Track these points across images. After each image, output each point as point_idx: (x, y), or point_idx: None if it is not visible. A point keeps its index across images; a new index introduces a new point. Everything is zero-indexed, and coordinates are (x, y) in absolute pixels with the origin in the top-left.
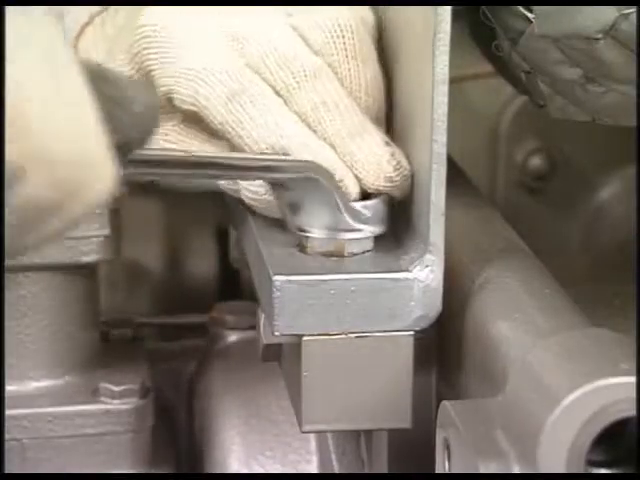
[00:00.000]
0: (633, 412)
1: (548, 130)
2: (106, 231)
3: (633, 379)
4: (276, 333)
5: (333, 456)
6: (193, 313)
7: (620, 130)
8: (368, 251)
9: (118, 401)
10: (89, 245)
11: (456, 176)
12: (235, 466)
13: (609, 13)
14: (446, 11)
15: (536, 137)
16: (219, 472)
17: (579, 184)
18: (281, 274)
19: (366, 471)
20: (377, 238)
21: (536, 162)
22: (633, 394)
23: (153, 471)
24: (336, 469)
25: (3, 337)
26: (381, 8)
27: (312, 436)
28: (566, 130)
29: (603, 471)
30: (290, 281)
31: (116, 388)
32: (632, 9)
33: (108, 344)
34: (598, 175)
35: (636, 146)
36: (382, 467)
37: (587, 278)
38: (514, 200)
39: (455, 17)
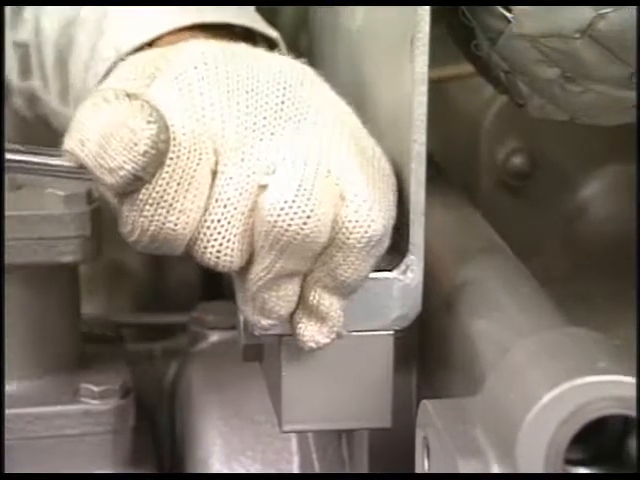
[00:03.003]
0: (611, 410)
1: (529, 130)
2: (86, 232)
3: (610, 377)
4: (256, 333)
5: (314, 456)
6: (175, 313)
7: (600, 129)
8: None
9: (98, 401)
10: (69, 246)
11: (437, 176)
12: (216, 466)
13: (586, 13)
14: (425, 11)
15: (517, 137)
16: (201, 472)
17: (560, 183)
18: None
19: (347, 471)
20: None
21: (517, 161)
22: (610, 392)
23: (134, 471)
24: (317, 469)
25: (3, 337)
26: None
27: (293, 436)
28: (547, 129)
29: (582, 470)
30: None
31: (96, 388)
32: (609, 9)
33: (89, 344)
34: (578, 174)
35: (636, 146)
36: (363, 467)
37: (568, 277)
38: (495, 199)
39: (435, 17)
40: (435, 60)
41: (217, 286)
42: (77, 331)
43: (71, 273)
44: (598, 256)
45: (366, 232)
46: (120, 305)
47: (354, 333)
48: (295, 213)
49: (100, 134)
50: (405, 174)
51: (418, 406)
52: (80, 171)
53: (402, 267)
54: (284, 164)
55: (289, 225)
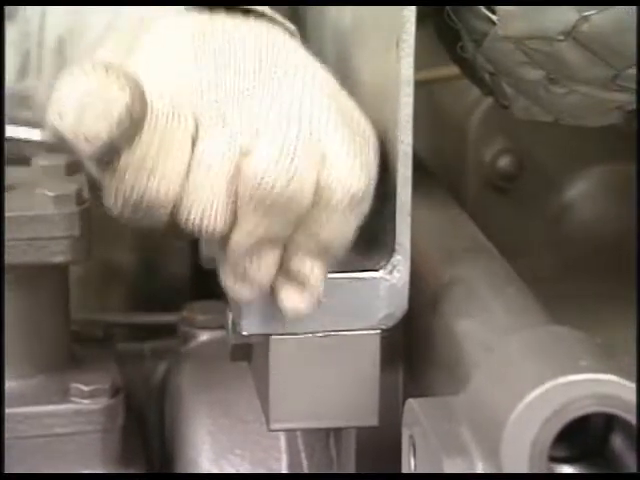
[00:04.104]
0: (594, 408)
1: (516, 131)
2: (76, 232)
3: (593, 376)
4: (244, 333)
5: (302, 454)
6: (165, 313)
7: (585, 131)
8: None
9: (88, 401)
10: (59, 246)
11: (424, 176)
12: (206, 465)
13: (570, 15)
14: (411, 13)
15: (504, 138)
16: (190, 471)
17: (546, 184)
18: None
19: (335, 469)
20: None
21: (504, 163)
22: (593, 391)
23: (124, 470)
24: (305, 467)
25: (3, 337)
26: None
27: (281, 434)
28: (533, 131)
29: (566, 467)
30: None
31: (86, 388)
32: (592, 11)
33: (79, 344)
34: (564, 175)
35: (636, 147)
36: (350, 465)
37: (554, 277)
38: (483, 200)
39: (422, 19)
40: (422, 62)
41: (207, 286)
42: (67, 331)
43: (61, 273)
44: (584, 256)
45: (348, 191)
46: (111, 305)
47: (341, 332)
48: (279, 174)
49: (77, 105)
50: (392, 174)
51: (404, 405)
52: (61, 144)
53: (389, 267)
54: (266, 127)
55: (273, 186)
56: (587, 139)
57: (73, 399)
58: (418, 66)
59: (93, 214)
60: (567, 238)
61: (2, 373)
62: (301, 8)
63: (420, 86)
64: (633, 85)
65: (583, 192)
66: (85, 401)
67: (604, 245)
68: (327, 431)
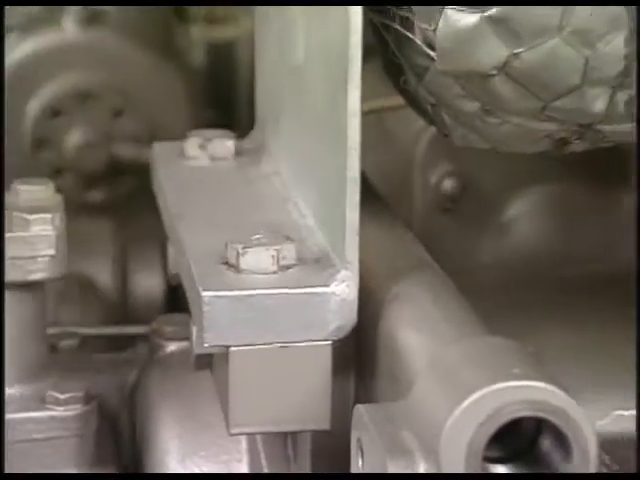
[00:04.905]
0: (524, 413)
1: (459, 156)
2: (52, 251)
3: (524, 383)
4: (205, 344)
5: (262, 455)
6: (137, 325)
7: (522, 155)
8: (292, 267)
9: (63, 408)
10: (36, 264)
11: (372, 199)
12: (172, 465)
13: (502, 52)
14: (357, 51)
15: (448, 162)
16: (158, 471)
17: (487, 204)
18: (209, 290)
19: (292, 469)
20: (301, 255)
21: (448, 185)
22: (524, 396)
23: (98, 471)
24: (265, 467)
25: (3, 338)
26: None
27: (243, 437)
28: (475, 156)
29: (500, 467)
30: (218, 297)
31: (61, 396)
32: (522, 48)
33: (56, 355)
34: (504, 196)
35: (636, 151)
36: (306, 465)
37: (497, 289)
38: (429, 219)
39: (372, 54)
40: (373, 92)
41: (178, 300)
42: (44, 343)
43: (39, 290)
44: (523, 269)
45: None
46: (89, 318)
47: (295, 344)
48: None
49: None
50: (340, 198)
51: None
52: None
53: (339, 283)
54: None
55: None
56: (524, 163)
57: (49, 406)
58: (369, 96)
59: (72, 234)
60: (506, 253)
61: (2, 375)
62: (258, 46)
63: (371, 115)
64: (560, 116)
65: (520, 211)
66: (60, 408)
67: (539, 259)
68: (284, 434)
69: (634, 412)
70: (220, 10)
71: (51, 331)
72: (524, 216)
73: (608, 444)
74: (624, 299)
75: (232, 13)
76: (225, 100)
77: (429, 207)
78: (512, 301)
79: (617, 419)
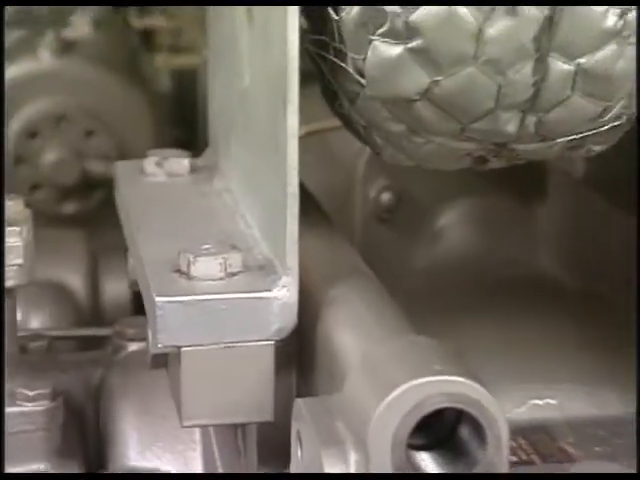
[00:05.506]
0: (444, 404)
1: (395, 171)
2: (20, 260)
3: (444, 378)
4: (159, 345)
5: (214, 446)
6: (102, 327)
7: (451, 171)
8: (238, 274)
9: (32, 404)
10: (7, 273)
11: (312, 210)
12: (133, 456)
13: (423, 79)
14: (295, 77)
15: (386, 177)
16: (120, 462)
17: (420, 215)
18: (162, 295)
19: (242, 458)
20: (246, 263)
21: (386, 198)
22: (443, 390)
23: (64, 464)
24: (217, 456)
25: (3, 338)
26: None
27: (197, 429)
28: (409, 171)
29: (423, 454)
30: (170, 302)
31: (30, 393)
32: (441, 76)
33: (25, 355)
34: (435, 207)
35: (637, 153)
36: (254, 455)
37: (430, 293)
38: (369, 229)
39: (310, 80)
40: (315, 114)
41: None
42: (15, 344)
43: (10, 296)
44: (453, 273)
45: None
46: (63, 320)
47: (241, 344)
48: None
49: None
50: (281, 210)
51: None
52: None
53: (280, 288)
54: None
55: None
56: (453, 178)
57: (19, 402)
58: (311, 118)
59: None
60: (438, 260)
61: (2, 373)
62: (211, 73)
63: (313, 135)
64: (477, 136)
65: (450, 221)
66: (29, 404)
67: (468, 266)
68: (235, 426)
69: (548, 401)
70: (183, 40)
71: (21, 333)
72: (454, 225)
73: (524, 430)
74: (542, 299)
75: (195, 43)
76: (189, 121)
77: (368, 218)
78: (443, 303)
79: (532, 407)
